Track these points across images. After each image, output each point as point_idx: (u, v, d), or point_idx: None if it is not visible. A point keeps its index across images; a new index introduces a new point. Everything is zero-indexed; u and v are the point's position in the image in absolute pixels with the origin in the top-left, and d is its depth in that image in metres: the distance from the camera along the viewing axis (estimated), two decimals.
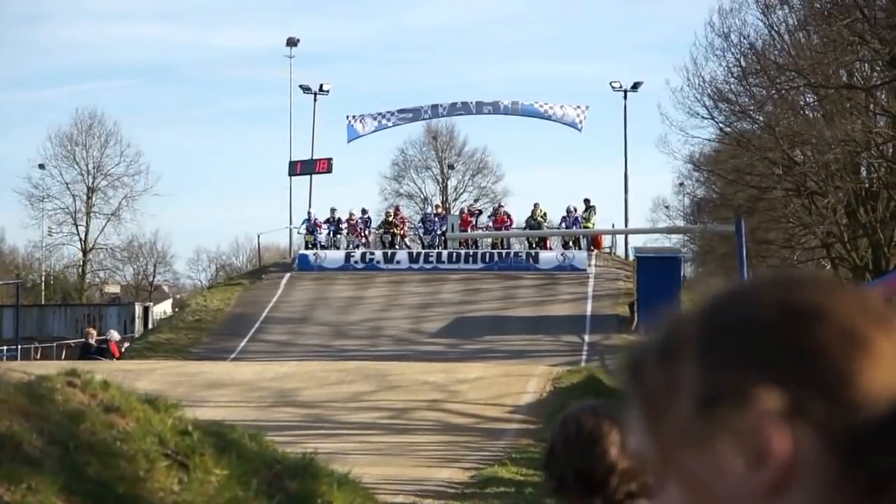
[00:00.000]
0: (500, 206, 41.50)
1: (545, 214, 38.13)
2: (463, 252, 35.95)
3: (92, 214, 61.37)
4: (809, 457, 0.84)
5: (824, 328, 0.86)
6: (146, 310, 43.14)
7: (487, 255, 35.86)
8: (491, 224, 38.76)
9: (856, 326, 0.87)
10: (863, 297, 0.90)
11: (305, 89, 45.95)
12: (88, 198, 61.34)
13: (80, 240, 61.51)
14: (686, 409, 0.87)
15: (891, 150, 27.67)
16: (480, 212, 41.31)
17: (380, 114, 42.62)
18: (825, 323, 0.86)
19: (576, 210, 37.33)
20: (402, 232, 38.63)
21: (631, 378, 0.93)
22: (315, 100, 45.76)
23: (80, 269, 62.11)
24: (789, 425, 0.84)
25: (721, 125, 30.29)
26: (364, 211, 39.53)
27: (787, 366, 0.85)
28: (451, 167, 66.63)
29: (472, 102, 42.12)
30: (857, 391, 0.85)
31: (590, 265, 34.53)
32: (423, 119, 45.56)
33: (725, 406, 0.86)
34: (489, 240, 37.62)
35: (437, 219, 39.04)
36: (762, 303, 0.88)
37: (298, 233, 39.79)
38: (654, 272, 28.06)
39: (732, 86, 29.22)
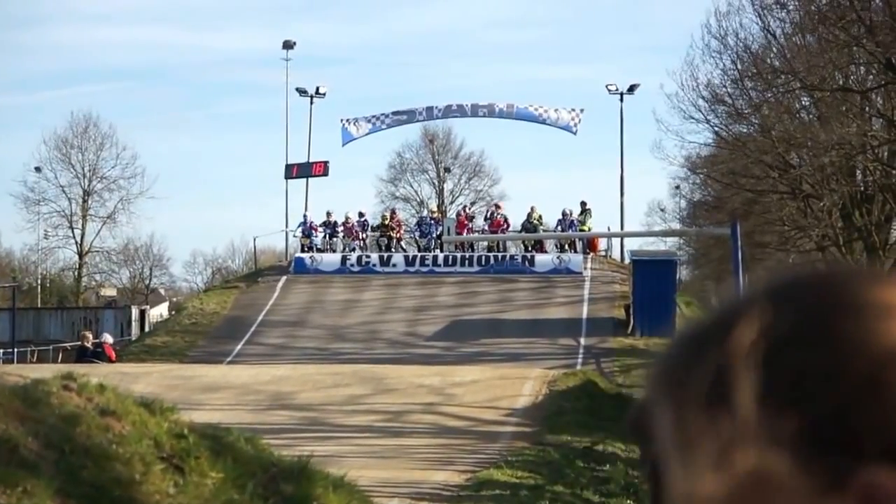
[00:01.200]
0: (496, 208, 41.52)
1: (541, 217, 38.16)
2: (459, 255, 35.97)
3: (88, 217, 61.35)
4: None
5: None
6: (142, 313, 43.11)
7: (483, 258, 35.87)
8: (487, 227, 38.79)
9: None
10: None
11: (302, 92, 45.97)
12: (84, 201, 61.31)
13: (76, 243, 61.49)
14: (780, 465, 0.81)
15: (886, 153, 27.72)
16: (473, 216, 41.33)
17: (374, 116, 42.65)
18: None
19: (571, 213, 37.35)
20: (398, 235, 38.63)
21: (684, 411, 0.85)
22: (311, 102, 45.80)
23: (76, 273, 62.06)
24: None
25: (717, 128, 30.35)
26: (360, 214, 39.54)
27: (892, 419, 0.80)
28: (447, 170, 66.67)
29: (466, 105, 42.16)
30: None
31: (585, 268, 34.54)
32: (418, 121, 45.59)
33: (830, 466, 0.81)
34: (485, 243, 37.65)
35: (433, 222, 39.06)
36: (850, 347, 0.82)
37: (294, 236, 39.79)
38: (650, 275, 28.09)
39: (728, 88, 29.29)
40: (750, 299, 0.87)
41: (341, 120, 42.44)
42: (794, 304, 0.84)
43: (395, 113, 42.81)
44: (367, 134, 42.50)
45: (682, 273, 43.53)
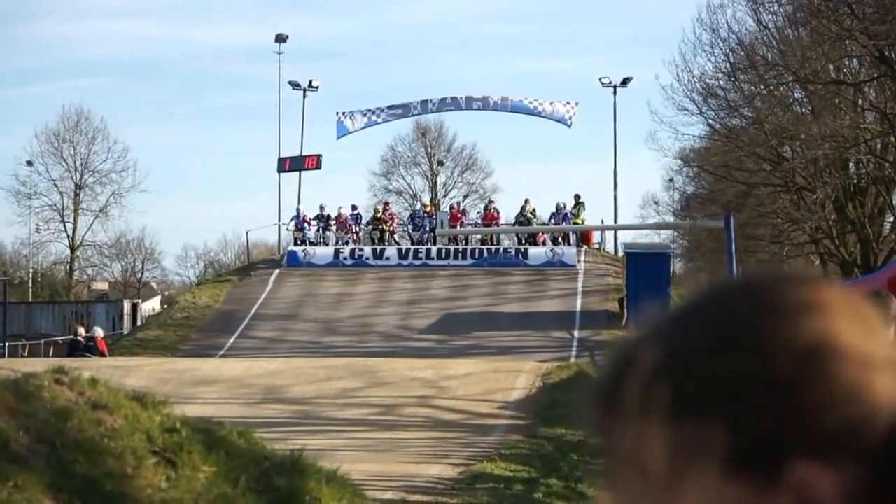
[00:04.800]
0: (490, 202, 41.51)
1: (534, 210, 38.14)
2: (452, 248, 35.94)
3: (80, 211, 61.20)
4: (852, 493, 0.81)
5: (844, 364, 0.83)
6: (135, 307, 43.02)
7: (476, 251, 35.85)
8: (480, 221, 38.77)
9: (865, 349, 0.84)
10: (857, 308, 0.86)
11: (294, 86, 45.93)
12: (76, 194, 61.16)
13: (68, 237, 61.36)
14: (704, 475, 0.82)
15: (879, 145, 27.75)
16: (466, 211, 41.33)
17: (369, 110, 42.60)
18: (843, 358, 0.83)
19: (565, 206, 37.35)
20: (391, 228, 38.60)
21: (606, 432, 0.87)
22: (304, 96, 45.77)
23: (68, 267, 61.93)
24: (833, 468, 0.81)
25: (710, 121, 30.36)
26: (353, 207, 39.51)
27: (819, 413, 0.82)
28: (440, 163, 66.61)
29: (461, 98, 42.12)
30: (877, 412, 0.82)
31: (579, 261, 34.54)
32: (413, 115, 45.55)
33: (759, 468, 0.82)
34: (478, 236, 37.63)
35: (426, 215, 39.05)
36: (768, 347, 0.83)
37: (287, 229, 39.76)
38: (644, 268, 28.06)
39: (721, 81, 29.31)
40: (662, 317, 0.89)
41: (337, 113, 42.41)
42: (707, 314, 0.86)
43: (390, 107, 42.76)
44: (362, 128, 42.45)
45: (676, 266, 43.57)
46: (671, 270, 33.58)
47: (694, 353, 0.84)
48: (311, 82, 46.08)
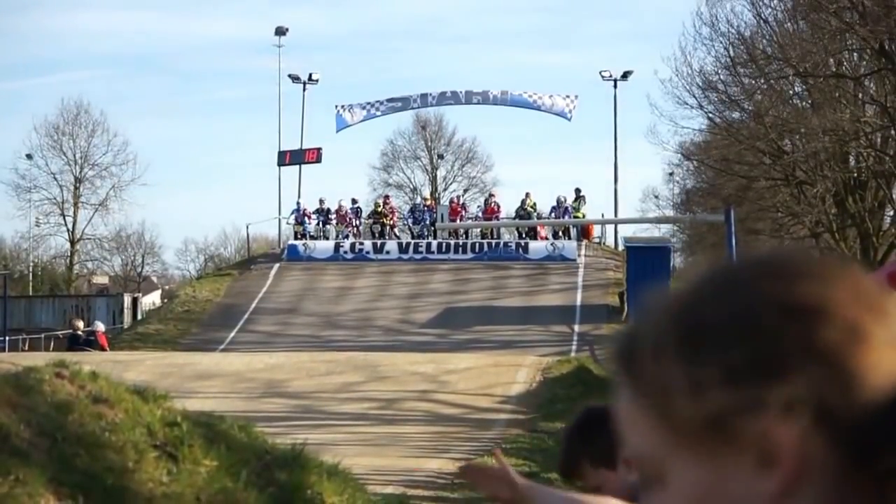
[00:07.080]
0: (490, 195, 41.49)
1: (535, 204, 38.13)
2: (452, 242, 35.94)
3: (79, 205, 61.15)
4: (817, 458, 0.83)
5: (828, 327, 0.85)
6: (135, 301, 43.01)
7: (477, 245, 35.85)
8: (481, 214, 38.76)
9: (857, 321, 0.85)
10: (859, 284, 0.88)
11: (294, 79, 45.87)
12: (76, 188, 61.10)
13: (68, 230, 61.31)
14: (688, 410, 0.86)
15: (879, 139, 27.71)
16: (466, 205, 41.33)
17: (369, 103, 42.55)
18: (829, 321, 0.85)
19: (566, 200, 37.34)
20: (391, 222, 38.59)
21: (624, 371, 0.91)
22: (304, 89, 45.71)
23: (68, 260, 61.90)
24: (796, 428, 0.83)
25: (710, 115, 30.31)
26: (353, 201, 39.50)
27: (792, 368, 0.84)
28: (440, 157, 66.57)
29: (461, 92, 42.07)
30: (859, 385, 0.83)
31: (579, 255, 34.54)
32: (412, 108, 45.52)
33: (730, 411, 0.84)
34: (479, 230, 37.63)
35: (426, 209, 39.03)
36: (759, 300, 0.86)
37: (287, 223, 39.73)
38: (644, 262, 28.06)
39: (721, 75, 29.25)
40: (691, 275, 0.94)
41: (336, 106, 42.36)
42: (717, 277, 0.91)
43: (389, 100, 42.72)
44: (361, 121, 42.41)
45: (677, 260, 43.59)
46: (672, 264, 33.58)
47: (699, 303, 0.89)
48: (310, 75, 46.03)
